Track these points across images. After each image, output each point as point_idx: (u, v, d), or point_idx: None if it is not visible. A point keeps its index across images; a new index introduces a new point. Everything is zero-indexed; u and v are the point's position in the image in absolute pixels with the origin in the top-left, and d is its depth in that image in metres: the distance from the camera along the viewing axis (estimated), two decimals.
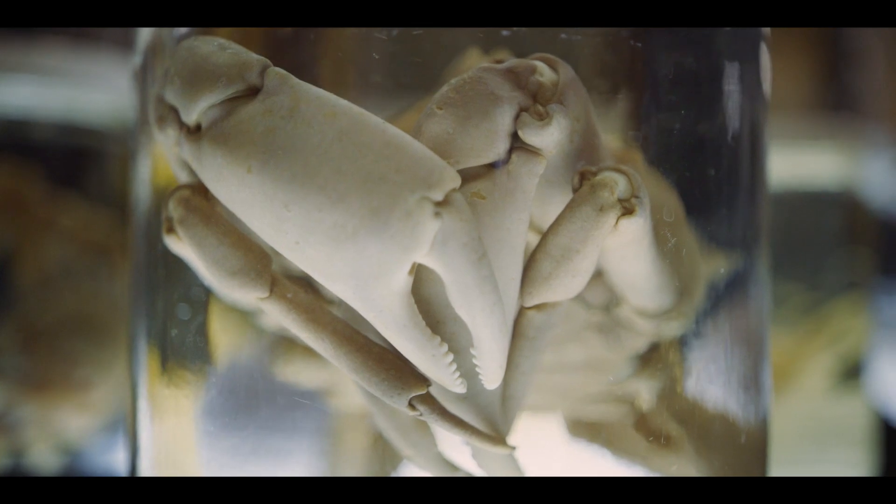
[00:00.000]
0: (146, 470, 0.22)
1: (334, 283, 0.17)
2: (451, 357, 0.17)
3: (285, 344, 0.23)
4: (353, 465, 0.24)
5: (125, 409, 0.44)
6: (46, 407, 0.41)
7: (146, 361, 0.22)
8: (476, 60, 0.21)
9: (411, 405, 0.17)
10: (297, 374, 0.23)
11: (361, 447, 0.24)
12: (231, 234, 0.18)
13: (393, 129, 0.16)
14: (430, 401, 0.17)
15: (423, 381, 0.17)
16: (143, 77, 0.22)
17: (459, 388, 0.17)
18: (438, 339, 0.17)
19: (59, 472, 0.43)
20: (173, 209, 0.18)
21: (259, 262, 0.18)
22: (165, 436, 0.22)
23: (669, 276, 0.20)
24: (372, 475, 0.24)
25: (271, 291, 0.18)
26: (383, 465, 0.24)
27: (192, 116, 0.18)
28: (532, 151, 0.17)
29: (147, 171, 0.22)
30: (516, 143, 0.17)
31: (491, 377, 0.17)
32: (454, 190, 0.16)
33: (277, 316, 0.18)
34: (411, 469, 0.24)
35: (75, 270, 0.42)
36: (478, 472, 0.20)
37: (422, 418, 0.18)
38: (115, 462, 0.44)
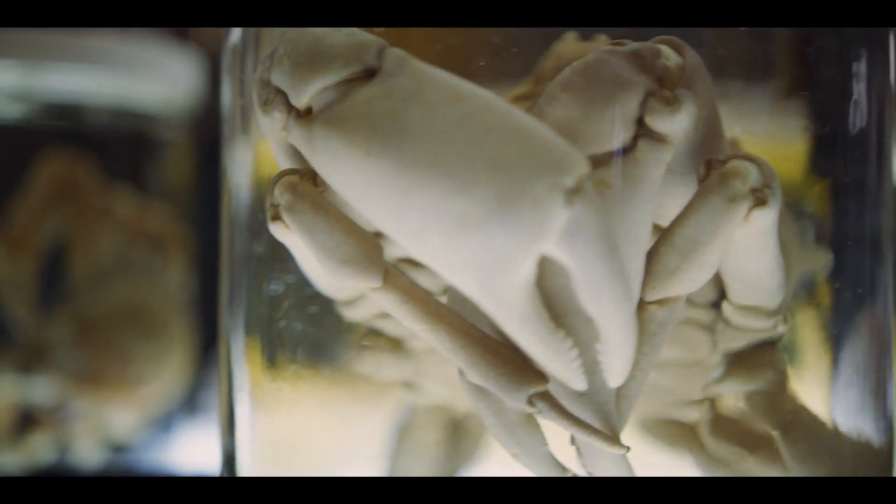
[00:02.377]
0: (247, 466, 0.22)
1: (455, 273, 0.17)
2: (575, 352, 0.17)
3: (370, 336, 0.23)
4: (426, 459, 0.24)
5: (172, 406, 0.45)
6: (98, 402, 0.42)
7: (245, 356, 0.22)
8: (574, 46, 0.21)
9: (529, 402, 0.17)
10: (380, 367, 0.23)
11: (435, 442, 0.24)
12: (342, 220, 0.18)
13: (520, 114, 0.16)
14: (549, 397, 0.17)
15: (543, 376, 0.17)
16: (238, 62, 0.22)
17: (580, 384, 0.17)
18: (563, 332, 0.17)
19: (103, 468, 0.43)
20: (280, 195, 0.18)
21: (372, 251, 0.18)
22: (272, 432, 0.22)
23: (786, 272, 0.20)
24: (443, 470, 0.24)
25: (385, 281, 0.18)
26: (455, 460, 0.24)
27: (302, 99, 0.18)
28: (659, 139, 0.17)
29: (246, 159, 0.22)
30: (642, 130, 0.17)
31: (616, 374, 0.17)
32: (585, 177, 0.16)
33: (390, 306, 0.18)
34: (479, 465, 0.24)
35: (130, 261, 0.42)
36: (584, 472, 0.20)
37: (539, 415, 0.18)
38: (159, 459, 0.45)
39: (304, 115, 0.18)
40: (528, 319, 0.16)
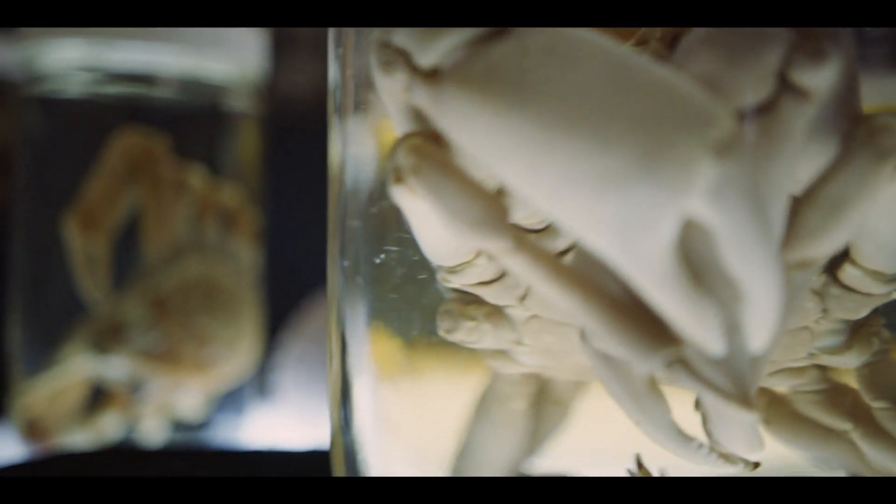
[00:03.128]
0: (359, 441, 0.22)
1: (594, 232, 0.16)
2: (717, 314, 0.16)
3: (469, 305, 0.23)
4: (509, 429, 0.24)
5: (238, 385, 0.45)
6: (171, 381, 0.42)
7: (367, 335, 0.22)
8: None
9: (665, 364, 0.17)
10: (478, 336, 0.23)
11: (520, 411, 0.24)
12: (469, 182, 0.18)
13: (660, 68, 0.16)
14: (685, 360, 0.17)
15: (678, 339, 0.17)
16: (349, 35, 0.22)
17: (719, 347, 0.17)
18: (704, 294, 0.16)
19: (166, 446, 0.43)
20: (405, 158, 0.18)
21: (501, 212, 0.18)
22: (381, 404, 0.22)
23: None
24: (524, 441, 0.24)
25: (517, 241, 0.18)
26: (538, 430, 0.24)
27: (429, 59, 0.18)
28: (802, 93, 0.17)
29: (358, 133, 0.22)
30: (784, 85, 0.17)
31: (761, 338, 0.17)
32: (732, 131, 0.15)
33: (520, 267, 0.18)
34: (562, 437, 0.24)
35: (203, 238, 0.42)
36: (709, 441, 0.19)
37: (672, 379, 0.17)
38: (227, 440, 0.45)
39: (431, 76, 0.18)
40: (669, 280, 0.16)
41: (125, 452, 0.36)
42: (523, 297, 0.23)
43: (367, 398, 0.22)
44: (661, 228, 0.16)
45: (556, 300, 0.18)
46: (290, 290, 0.51)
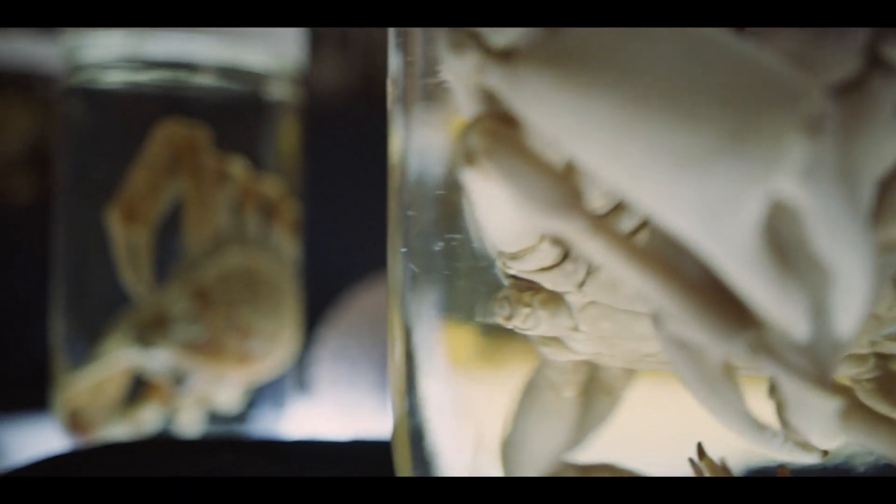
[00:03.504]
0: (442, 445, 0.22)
1: (676, 212, 0.16)
2: (803, 297, 0.16)
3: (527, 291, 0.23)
4: (558, 416, 0.24)
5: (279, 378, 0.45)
6: (214, 375, 0.42)
7: (432, 323, 0.22)
8: None
9: (746, 347, 0.17)
10: (535, 323, 0.23)
11: (570, 399, 0.24)
12: (543, 164, 0.18)
13: (745, 43, 0.16)
14: (767, 343, 0.17)
15: (760, 322, 0.17)
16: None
17: (804, 331, 0.17)
18: (792, 276, 0.16)
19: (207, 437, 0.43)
20: (477, 140, 0.18)
21: (575, 193, 0.18)
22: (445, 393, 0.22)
23: None
24: (571, 429, 0.24)
25: (593, 223, 0.17)
26: (587, 419, 0.24)
27: (503, 39, 0.17)
28: (892, 69, 0.16)
29: (427, 117, 0.22)
30: (873, 60, 0.16)
31: (850, 323, 0.16)
32: (823, 108, 0.15)
33: (596, 250, 0.18)
34: (602, 432, 0.24)
35: (245, 230, 0.42)
36: (783, 429, 0.19)
37: (752, 364, 0.17)
38: (260, 431, 0.45)
39: (506, 56, 0.17)
40: (754, 261, 0.16)
41: (168, 443, 0.36)
42: (582, 284, 0.23)
43: (435, 387, 0.22)
44: (748, 208, 0.16)
45: (632, 283, 0.18)
46: (326, 283, 0.51)
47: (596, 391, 0.25)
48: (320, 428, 0.48)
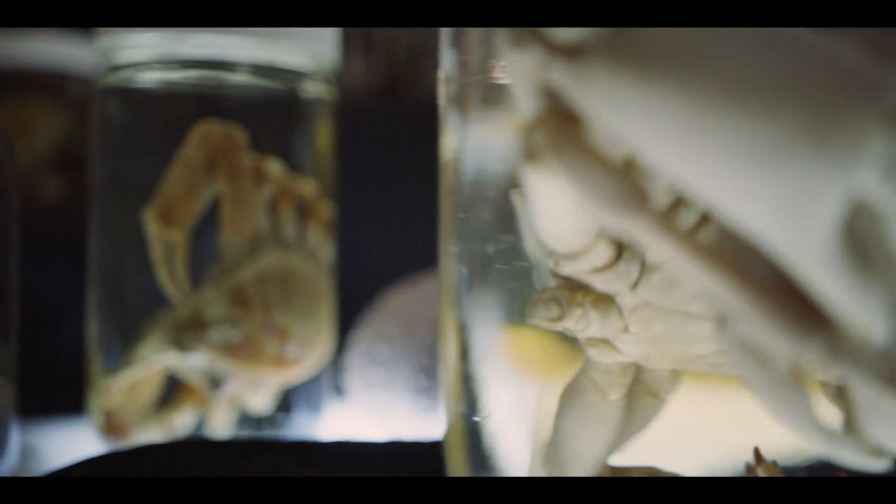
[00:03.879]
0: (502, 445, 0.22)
1: (751, 211, 0.16)
2: (885, 298, 0.16)
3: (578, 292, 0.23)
4: (601, 419, 0.24)
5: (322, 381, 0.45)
6: (250, 377, 0.42)
7: (486, 324, 0.22)
8: None
9: (820, 349, 0.17)
10: (585, 325, 0.23)
11: (614, 402, 0.24)
12: (607, 161, 0.18)
13: (823, 37, 0.15)
14: (843, 344, 0.17)
15: (835, 324, 0.16)
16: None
17: (884, 334, 0.16)
18: (872, 277, 0.16)
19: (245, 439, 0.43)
20: (541, 137, 0.18)
21: (641, 190, 0.17)
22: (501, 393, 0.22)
23: None
24: (621, 433, 0.24)
25: (661, 219, 0.17)
26: (633, 423, 0.24)
27: (570, 35, 0.17)
28: None
29: (481, 117, 0.22)
30: None
31: None
32: None
33: (665, 248, 0.17)
34: (653, 430, 0.24)
35: (282, 231, 0.42)
36: (852, 434, 0.19)
37: (825, 366, 0.17)
38: (294, 434, 0.45)
39: (572, 52, 0.17)
40: (832, 261, 0.16)
41: (207, 445, 0.36)
42: (635, 284, 0.22)
43: (493, 388, 0.22)
44: (826, 205, 0.15)
45: (699, 282, 0.17)
46: (359, 285, 0.51)
47: (641, 393, 0.25)
48: (354, 431, 0.47)
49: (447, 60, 0.23)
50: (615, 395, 0.24)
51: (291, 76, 0.43)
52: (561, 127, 0.18)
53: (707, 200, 0.17)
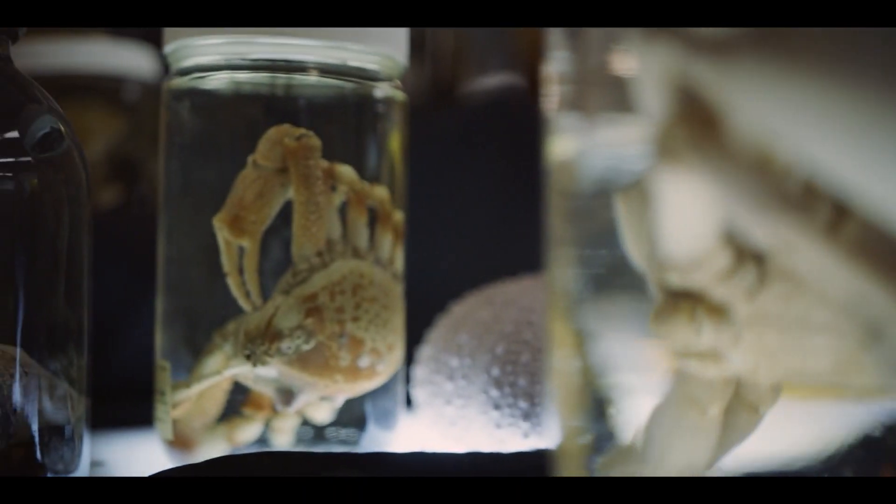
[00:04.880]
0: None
1: None
2: None
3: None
4: (705, 436, 0.23)
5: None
6: (322, 390, 0.41)
7: (603, 333, 0.21)
8: None
9: None
10: (697, 335, 0.22)
11: (714, 418, 0.23)
12: (750, 160, 0.17)
13: None
14: None
15: None
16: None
17: None
18: None
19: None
20: (682, 134, 0.17)
21: (786, 189, 0.17)
22: None
23: None
24: (717, 449, 0.23)
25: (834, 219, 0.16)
26: (729, 438, 0.23)
27: (713, 31, 0.17)
28: None
29: (605, 116, 0.22)
30: None
31: None
32: None
33: (810, 248, 0.17)
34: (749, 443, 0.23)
35: (356, 237, 0.42)
36: None
37: None
38: (366, 447, 0.44)
39: (717, 46, 0.17)
40: None
41: (285, 457, 0.35)
42: (753, 294, 0.22)
43: (622, 400, 0.21)
44: None
45: (851, 286, 0.17)
46: (427, 295, 0.51)
47: (739, 408, 0.24)
48: (424, 444, 0.47)
49: (560, 61, 0.23)
50: (715, 409, 0.24)
51: (362, 78, 0.42)
52: (702, 125, 0.17)
53: (863, 201, 0.16)
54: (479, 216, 0.68)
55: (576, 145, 0.22)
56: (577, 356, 0.22)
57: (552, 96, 0.23)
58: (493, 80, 0.83)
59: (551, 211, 0.23)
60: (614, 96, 0.21)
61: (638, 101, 0.19)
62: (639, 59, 0.18)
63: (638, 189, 0.21)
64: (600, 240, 0.22)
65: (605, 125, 0.22)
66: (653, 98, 0.19)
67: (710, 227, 0.20)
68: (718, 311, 0.22)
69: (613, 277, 0.22)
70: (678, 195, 0.18)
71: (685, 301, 0.22)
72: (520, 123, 0.72)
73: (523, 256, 0.67)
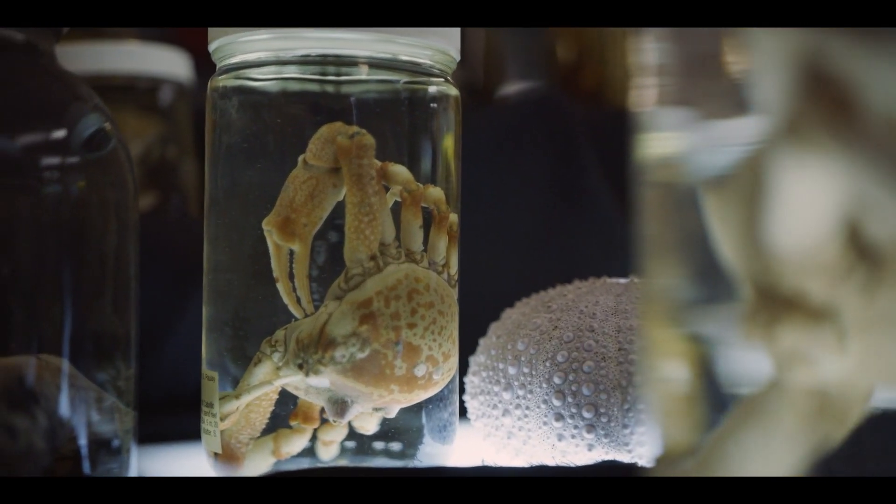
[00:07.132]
0: None
1: None
2: None
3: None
4: (789, 448, 0.23)
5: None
6: (376, 401, 0.40)
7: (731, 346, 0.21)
8: None
9: None
10: (797, 336, 0.21)
11: (799, 429, 0.23)
12: (886, 142, 0.16)
13: None
14: None
15: None
16: None
17: None
18: None
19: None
20: (815, 117, 0.16)
21: None
22: None
23: None
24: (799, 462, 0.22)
25: None
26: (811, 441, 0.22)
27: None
28: None
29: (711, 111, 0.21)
30: None
31: None
32: None
33: None
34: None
35: (410, 240, 0.41)
36: None
37: None
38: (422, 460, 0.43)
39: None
40: None
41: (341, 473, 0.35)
42: (870, 295, 0.21)
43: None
44: None
45: None
46: (479, 301, 0.50)
47: (824, 420, 0.23)
48: (479, 457, 0.46)
49: (657, 56, 0.22)
50: (800, 420, 0.23)
51: (415, 73, 0.41)
52: (836, 105, 0.16)
53: None
54: (523, 219, 0.67)
55: (682, 142, 0.21)
56: (685, 365, 0.21)
57: (648, 90, 0.22)
58: (525, 83, 0.83)
59: (645, 211, 0.22)
60: (721, 87, 0.20)
61: (754, 90, 0.18)
62: (763, 42, 0.17)
63: (735, 182, 0.20)
64: (707, 239, 0.21)
65: (711, 118, 0.21)
66: (775, 83, 0.18)
67: (831, 218, 0.19)
68: (819, 315, 0.22)
69: (722, 279, 0.21)
70: (801, 184, 0.17)
71: (785, 302, 0.22)
72: (560, 125, 0.71)
73: (571, 260, 0.66)
